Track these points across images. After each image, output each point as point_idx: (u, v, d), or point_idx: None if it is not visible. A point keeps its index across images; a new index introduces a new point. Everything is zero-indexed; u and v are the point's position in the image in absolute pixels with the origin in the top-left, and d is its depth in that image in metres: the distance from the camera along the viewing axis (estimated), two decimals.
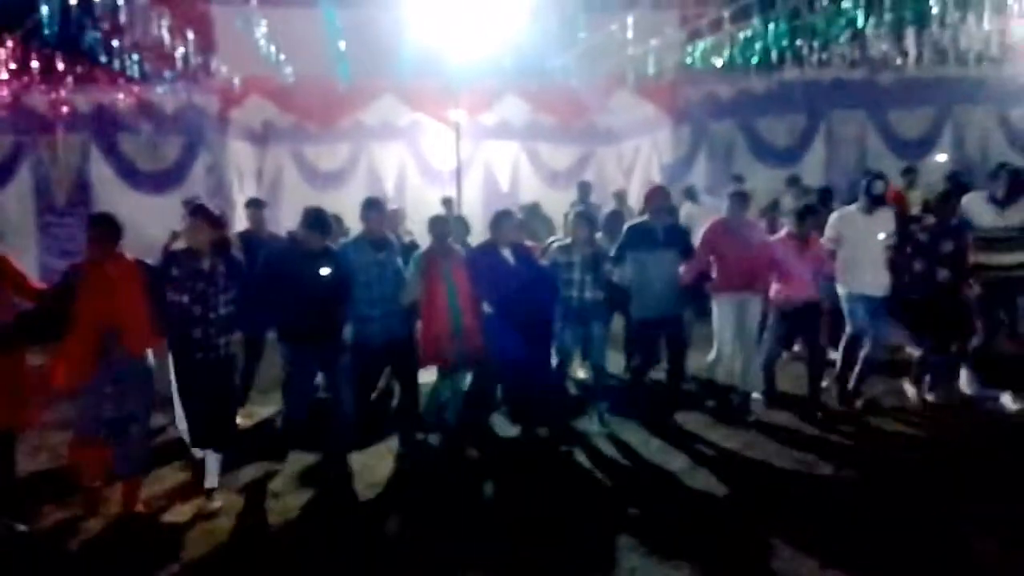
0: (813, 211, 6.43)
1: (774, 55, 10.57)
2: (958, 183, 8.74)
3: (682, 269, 6.37)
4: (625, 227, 6.57)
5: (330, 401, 5.72)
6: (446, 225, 6.22)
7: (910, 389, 6.52)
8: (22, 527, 4.65)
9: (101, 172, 11.65)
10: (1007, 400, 6.31)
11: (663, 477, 5.31)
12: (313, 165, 14.44)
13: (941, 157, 13.15)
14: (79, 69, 10.74)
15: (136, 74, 10.43)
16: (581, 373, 7.47)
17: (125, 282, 4.68)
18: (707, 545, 4.31)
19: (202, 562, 4.30)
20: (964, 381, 6.55)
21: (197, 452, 5.31)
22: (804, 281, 6.32)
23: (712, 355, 7.04)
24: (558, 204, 11.60)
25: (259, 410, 6.88)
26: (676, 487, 5.15)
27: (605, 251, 6.41)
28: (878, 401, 6.57)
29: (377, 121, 13.99)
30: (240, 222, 8.32)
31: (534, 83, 11.99)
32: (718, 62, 11.26)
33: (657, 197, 6.46)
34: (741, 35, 10.38)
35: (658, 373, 7.04)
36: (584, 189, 10.89)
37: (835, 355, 6.67)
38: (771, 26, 10.03)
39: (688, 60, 11.70)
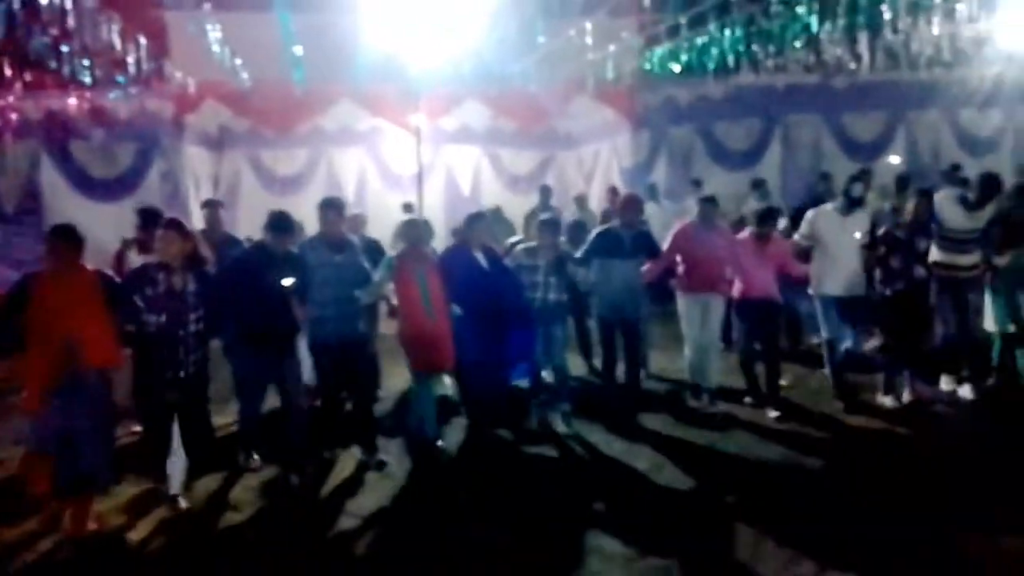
0: (775, 213, 6.57)
1: (731, 60, 10.70)
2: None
3: (645, 267, 6.56)
4: (594, 232, 6.75)
5: (284, 408, 5.60)
6: (419, 229, 6.20)
7: (884, 398, 6.59)
8: None
9: (52, 179, 11.35)
10: (965, 391, 6.49)
11: (630, 477, 5.33)
12: (271, 170, 14.25)
13: (894, 159, 13.41)
14: (28, 75, 10.48)
15: (87, 80, 10.20)
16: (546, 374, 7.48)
17: (85, 294, 4.56)
18: (677, 544, 4.32)
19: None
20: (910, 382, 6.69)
21: (173, 488, 5.15)
22: (766, 281, 6.45)
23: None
24: (519, 208, 11.62)
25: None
26: (644, 487, 5.17)
27: (570, 254, 6.48)
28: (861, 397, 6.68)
29: (336, 126, 13.85)
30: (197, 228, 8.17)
31: (494, 88, 11.97)
32: (676, 68, 11.39)
33: (630, 207, 6.65)
34: (698, 41, 10.51)
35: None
36: (545, 193, 10.93)
37: None
38: (727, 32, 10.17)
39: (646, 66, 11.81)
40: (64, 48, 9.35)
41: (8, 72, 10.27)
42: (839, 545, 4.19)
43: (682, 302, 6.67)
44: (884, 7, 8.61)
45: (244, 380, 5.52)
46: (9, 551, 4.52)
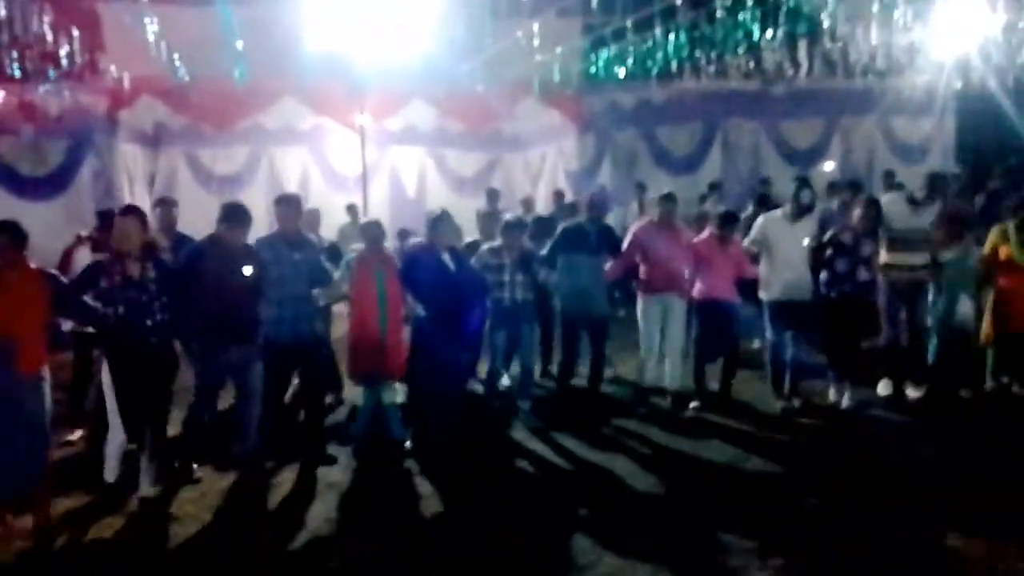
0: (735, 217, 6.66)
1: (674, 66, 10.87)
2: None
3: (607, 266, 6.59)
4: (560, 228, 6.76)
5: (237, 409, 5.40)
6: (380, 230, 6.11)
7: (833, 392, 6.71)
8: None
9: None
10: (910, 392, 6.65)
11: (604, 480, 5.28)
12: (209, 169, 13.86)
13: (828, 165, 13.79)
14: None
15: (16, 73, 9.78)
16: (505, 380, 7.44)
17: (26, 293, 4.35)
18: (657, 546, 4.29)
19: None
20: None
21: (108, 475, 4.98)
22: (725, 282, 6.55)
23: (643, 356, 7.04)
24: (465, 210, 11.54)
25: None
26: (622, 492, 5.11)
27: (535, 252, 6.48)
28: (812, 400, 6.76)
29: (278, 124, 13.56)
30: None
31: (441, 88, 11.90)
32: (621, 72, 11.51)
33: (598, 203, 6.72)
34: (643, 45, 10.64)
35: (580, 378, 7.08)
36: (493, 196, 10.87)
37: None
38: (671, 37, 10.32)
39: (592, 69, 11.91)
40: None
41: None
42: (814, 547, 4.24)
43: (642, 302, 6.67)
44: (823, 16, 8.84)
45: (204, 377, 5.29)
46: None
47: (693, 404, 6.54)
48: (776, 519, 4.59)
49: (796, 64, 10.70)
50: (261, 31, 10.22)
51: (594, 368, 6.79)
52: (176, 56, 10.24)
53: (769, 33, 9.47)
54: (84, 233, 6.40)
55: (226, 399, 5.59)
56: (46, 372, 4.52)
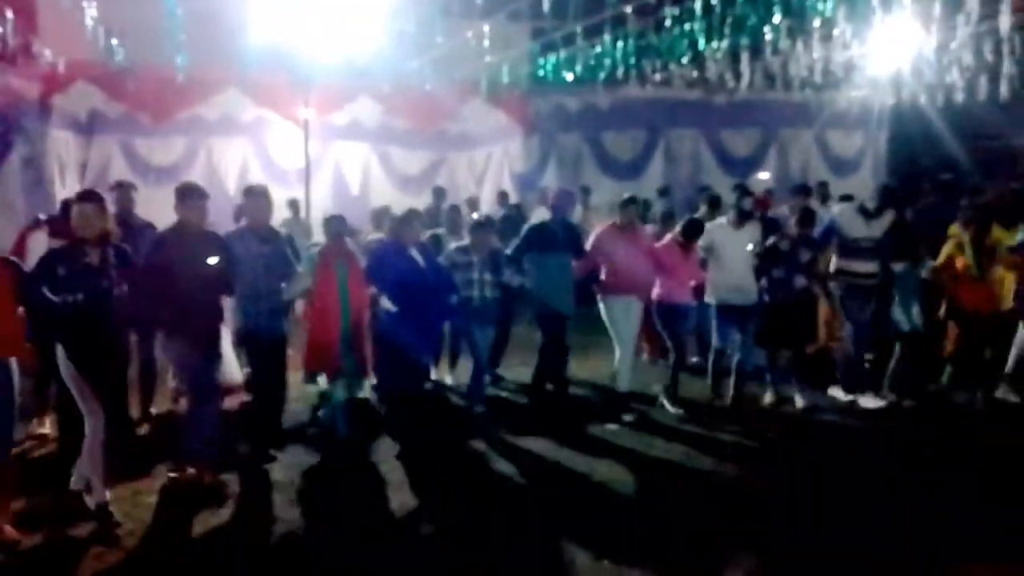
0: (700, 225, 6.70)
1: (620, 72, 11.01)
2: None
3: (575, 267, 6.62)
4: (526, 227, 6.78)
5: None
6: (343, 224, 6.07)
7: (769, 395, 6.86)
8: None
9: None
10: (867, 401, 6.75)
11: (580, 486, 5.23)
12: (145, 159, 13.49)
13: (763, 175, 14.19)
14: None
15: None
16: (448, 379, 7.43)
17: None
18: (645, 553, 4.28)
19: None
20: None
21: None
22: (685, 286, 6.69)
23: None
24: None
25: None
26: (605, 496, 5.07)
27: (502, 252, 6.48)
28: (759, 402, 6.86)
29: (218, 115, 13.26)
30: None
31: (388, 85, 11.81)
32: (568, 76, 11.62)
33: (563, 200, 6.78)
34: (591, 51, 10.76)
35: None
36: (439, 195, 10.87)
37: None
38: (619, 44, 10.46)
39: (540, 73, 11.99)
40: None
41: None
42: (804, 549, 4.30)
43: (604, 305, 6.67)
44: (766, 29, 9.07)
45: (188, 371, 5.10)
46: None
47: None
48: (761, 523, 4.62)
49: (737, 76, 10.94)
50: (206, 19, 9.97)
51: (559, 367, 6.72)
52: (115, 42, 9.90)
53: (714, 44, 9.67)
54: (43, 216, 6.23)
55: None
56: (13, 362, 4.32)
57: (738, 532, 4.49)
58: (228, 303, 5.32)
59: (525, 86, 12.35)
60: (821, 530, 4.50)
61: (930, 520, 4.55)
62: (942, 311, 6.90)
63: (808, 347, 7.00)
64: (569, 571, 4.06)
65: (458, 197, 12.81)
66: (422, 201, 11.85)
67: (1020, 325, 6.62)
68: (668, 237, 6.88)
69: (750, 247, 6.61)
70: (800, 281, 6.57)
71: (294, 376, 5.99)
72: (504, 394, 7.23)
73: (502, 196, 11.78)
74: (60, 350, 4.40)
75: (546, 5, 8.76)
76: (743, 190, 8.21)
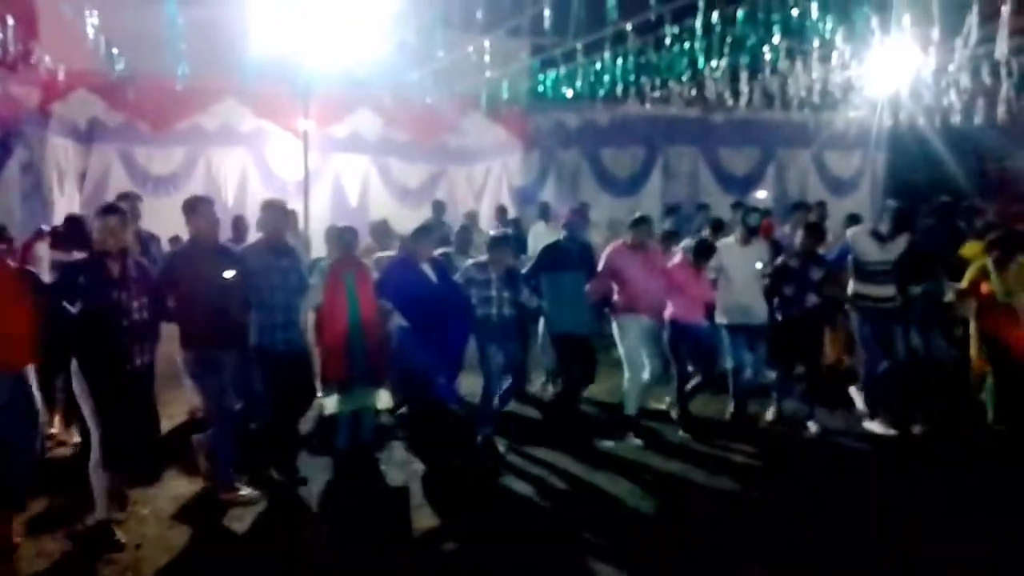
0: (712, 247, 6.69)
1: (619, 90, 11.03)
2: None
3: (589, 288, 6.58)
4: (542, 246, 6.76)
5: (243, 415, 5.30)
6: (355, 236, 6.06)
7: (771, 413, 6.87)
8: None
9: None
10: (874, 426, 6.70)
11: (597, 502, 5.26)
12: (144, 168, 13.51)
13: (761, 194, 14.23)
14: None
15: None
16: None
17: (7, 293, 4.23)
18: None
19: None
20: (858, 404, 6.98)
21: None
22: (697, 306, 6.66)
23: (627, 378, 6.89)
24: (408, 222, 11.46)
25: None
26: (627, 513, 5.09)
27: (519, 269, 6.45)
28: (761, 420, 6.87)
29: (217, 125, 13.28)
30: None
31: (388, 97, 11.83)
32: (568, 92, 11.64)
33: (577, 219, 6.70)
34: (591, 68, 10.79)
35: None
36: (439, 208, 10.88)
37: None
38: (619, 62, 10.49)
39: (539, 88, 12.02)
40: None
41: None
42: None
43: (619, 328, 6.61)
44: (765, 49, 9.10)
45: (208, 392, 5.07)
46: None
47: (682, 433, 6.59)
48: (773, 541, 4.64)
49: (736, 95, 10.97)
50: (207, 30, 9.98)
51: (577, 387, 6.67)
52: (115, 51, 9.92)
53: (713, 63, 9.69)
54: (45, 227, 6.35)
55: None
56: (30, 372, 4.36)
57: (738, 550, 4.48)
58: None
59: (525, 101, 12.37)
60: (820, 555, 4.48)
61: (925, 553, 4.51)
62: (971, 338, 6.65)
63: (823, 363, 6.95)
64: None
65: (457, 211, 12.82)
66: (421, 214, 11.85)
67: None
68: (678, 256, 6.84)
69: (758, 265, 6.60)
70: (812, 299, 6.56)
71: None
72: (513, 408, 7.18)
73: (501, 211, 11.77)
74: (75, 364, 4.39)
75: (547, 22, 8.79)
76: (748, 207, 8.24)
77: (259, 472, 5.40)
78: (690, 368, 6.74)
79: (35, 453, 4.44)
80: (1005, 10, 6.59)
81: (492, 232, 6.71)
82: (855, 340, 7.04)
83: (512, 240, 6.62)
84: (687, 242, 6.98)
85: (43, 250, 5.90)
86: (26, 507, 4.55)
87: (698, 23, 8.30)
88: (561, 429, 6.53)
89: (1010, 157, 14.22)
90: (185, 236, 5.34)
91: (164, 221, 9.45)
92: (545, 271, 6.50)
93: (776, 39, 8.68)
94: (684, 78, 10.85)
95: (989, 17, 6.93)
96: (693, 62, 9.96)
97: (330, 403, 5.78)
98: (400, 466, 5.86)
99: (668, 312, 6.67)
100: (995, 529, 4.73)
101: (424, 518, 4.97)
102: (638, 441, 6.40)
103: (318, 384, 5.91)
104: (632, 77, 10.83)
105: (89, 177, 13.02)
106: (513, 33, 10.65)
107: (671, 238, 7.87)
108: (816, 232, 6.73)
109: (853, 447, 6.41)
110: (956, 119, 10.45)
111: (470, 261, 6.48)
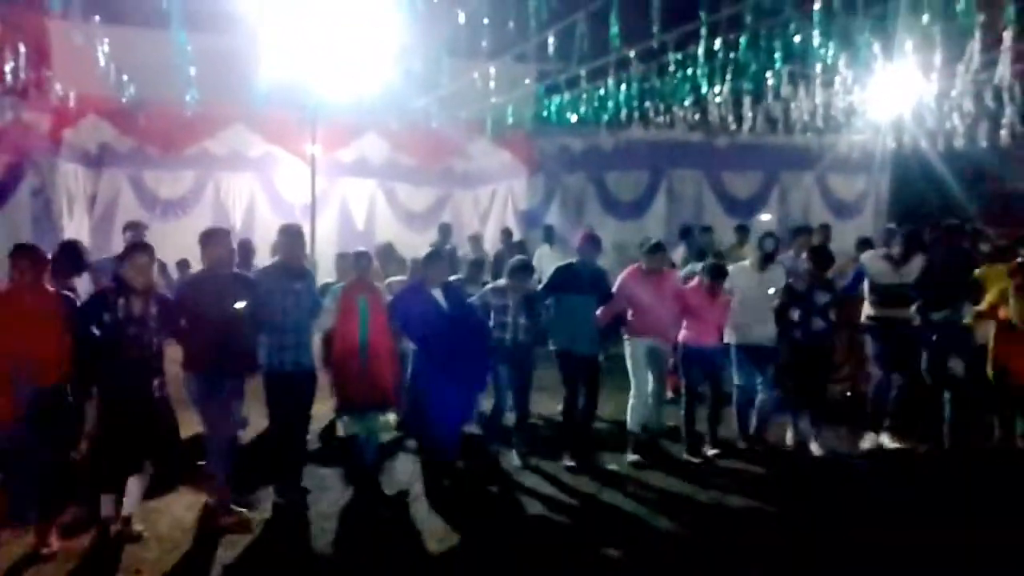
0: (724, 271, 6.73)
1: (623, 114, 11.13)
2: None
3: (599, 312, 6.60)
4: (554, 267, 6.81)
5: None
6: (369, 261, 6.15)
7: (790, 436, 6.88)
8: None
9: None
10: (885, 439, 6.79)
11: (612, 522, 5.28)
12: (153, 192, 13.65)
13: (765, 217, 14.25)
14: None
15: None
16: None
17: (42, 314, 4.44)
18: None
19: None
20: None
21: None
22: (713, 328, 6.71)
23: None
24: (414, 245, 11.55)
25: None
26: (626, 533, 5.12)
27: (537, 293, 6.51)
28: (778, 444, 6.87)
29: (226, 150, 13.42)
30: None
31: (395, 122, 11.95)
32: (572, 117, 11.75)
33: (588, 244, 6.71)
34: (595, 93, 10.90)
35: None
36: (445, 232, 10.97)
37: None
38: (623, 87, 10.59)
39: (544, 113, 12.13)
40: None
41: None
42: None
43: (629, 347, 6.71)
44: (768, 75, 9.18)
45: (209, 418, 5.16)
46: None
47: (712, 451, 6.62)
48: (779, 559, 4.68)
49: (740, 119, 11.06)
50: (216, 57, 10.11)
51: (586, 409, 6.67)
52: (126, 77, 10.06)
53: (716, 88, 9.78)
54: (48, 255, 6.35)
55: None
56: (68, 391, 4.56)
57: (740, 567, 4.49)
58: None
59: (530, 126, 12.49)
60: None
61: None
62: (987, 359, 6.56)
63: (835, 387, 6.95)
64: None
65: (462, 234, 12.88)
66: (427, 238, 11.94)
67: None
68: (695, 280, 6.87)
69: (772, 291, 6.62)
70: (819, 324, 6.53)
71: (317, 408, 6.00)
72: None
73: (506, 233, 11.86)
74: (93, 405, 4.60)
75: (551, 48, 8.90)
76: (764, 233, 8.27)
77: (258, 494, 5.45)
78: (700, 389, 6.77)
79: (68, 465, 4.63)
80: (1007, 35, 6.66)
81: (512, 260, 6.66)
82: (868, 361, 7.06)
83: (532, 269, 6.70)
84: (691, 267, 7.02)
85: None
86: (58, 516, 4.68)
87: (700, 49, 8.39)
88: (567, 445, 6.55)
89: (1012, 180, 14.26)
90: (193, 260, 5.44)
91: (173, 245, 9.55)
92: (556, 291, 6.56)
93: (779, 65, 8.78)
94: (688, 103, 10.95)
95: (991, 44, 6.99)
96: (696, 87, 10.07)
97: (344, 424, 5.83)
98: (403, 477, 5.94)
99: (681, 335, 6.71)
100: (1007, 546, 4.73)
101: (429, 534, 5.01)
102: (635, 457, 6.45)
103: (329, 405, 5.96)
104: (636, 102, 10.94)
105: (99, 201, 13.15)
106: (519, 59, 10.77)
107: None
108: (822, 256, 6.73)
109: (859, 466, 6.45)
110: (959, 143, 10.51)
111: (489, 286, 6.54)
